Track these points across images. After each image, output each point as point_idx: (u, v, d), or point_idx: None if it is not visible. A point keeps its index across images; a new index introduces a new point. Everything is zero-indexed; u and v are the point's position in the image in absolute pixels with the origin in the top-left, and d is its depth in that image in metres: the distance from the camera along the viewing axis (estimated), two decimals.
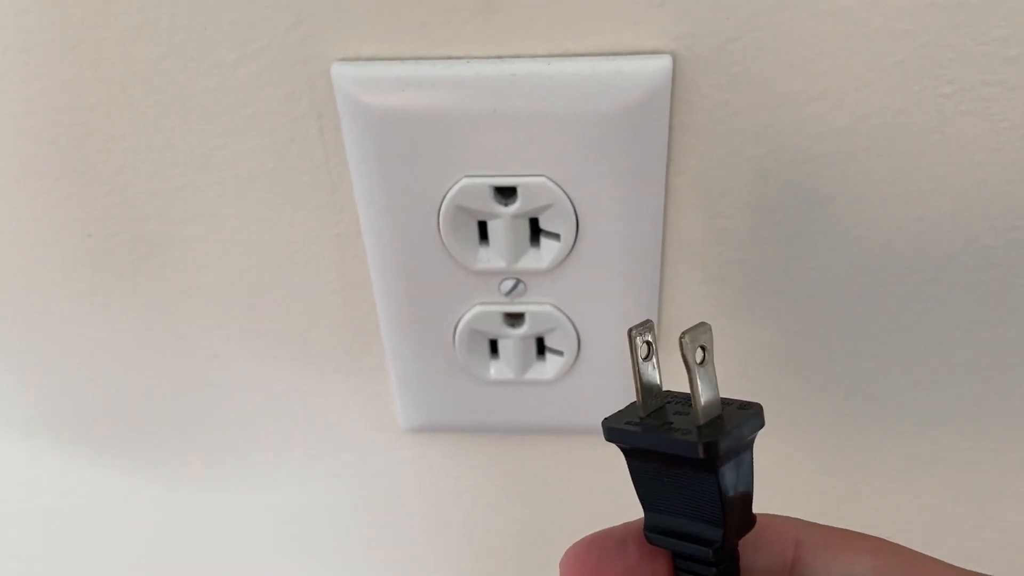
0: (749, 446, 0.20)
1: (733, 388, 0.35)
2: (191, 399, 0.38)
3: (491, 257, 0.30)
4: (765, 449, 0.36)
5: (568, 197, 0.28)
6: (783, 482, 0.38)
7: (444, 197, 0.29)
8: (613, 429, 0.21)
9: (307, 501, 0.41)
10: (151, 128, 0.30)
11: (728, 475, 0.20)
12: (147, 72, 0.29)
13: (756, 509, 0.21)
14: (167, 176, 0.31)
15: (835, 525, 0.21)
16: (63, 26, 0.28)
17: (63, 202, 0.32)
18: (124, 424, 0.39)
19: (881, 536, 0.20)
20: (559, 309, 0.31)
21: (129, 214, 0.32)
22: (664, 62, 0.26)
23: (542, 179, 0.28)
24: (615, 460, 0.24)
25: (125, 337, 0.36)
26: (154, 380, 0.37)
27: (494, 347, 0.33)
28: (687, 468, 0.20)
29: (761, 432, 0.20)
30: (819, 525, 0.21)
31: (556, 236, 0.29)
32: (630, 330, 0.21)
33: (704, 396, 0.20)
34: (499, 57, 0.27)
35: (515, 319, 0.32)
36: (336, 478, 0.40)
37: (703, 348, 0.20)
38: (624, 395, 0.23)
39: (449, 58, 0.27)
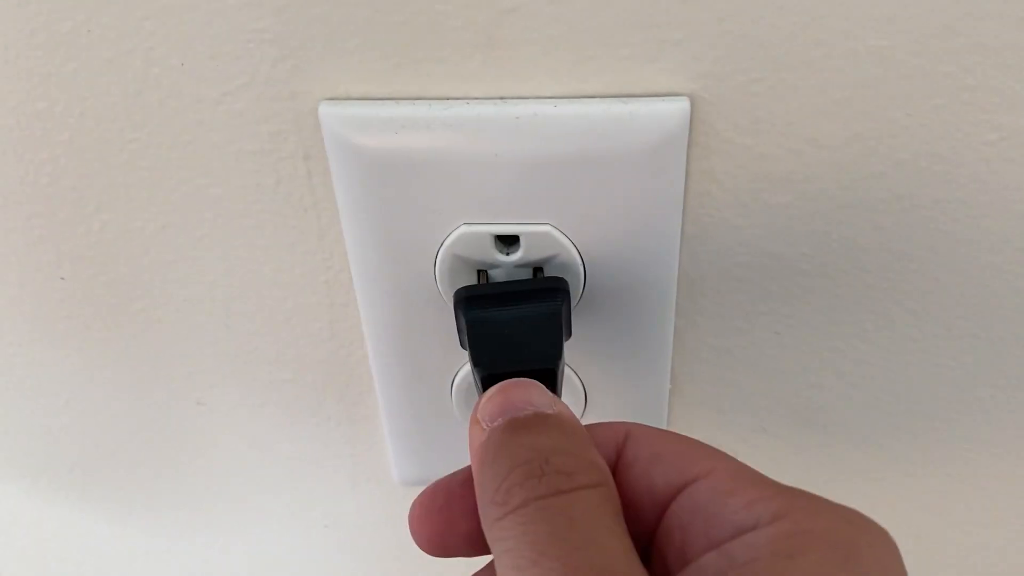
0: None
1: (752, 443, 0.33)
2: (174, 446, 0.36)
3: None
4: None
5: (575, 247, 0.26)
6: None
7: (441, 245, 0.27)
8: (471, 286, 0.26)
9: (296, 552, 0.39)
10: (128, 166, 0.28)
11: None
12: (122, 107, 0.27)
13: None
14: (146, 217, 0.29)
15: None
16: (32, 58, 0.26)
17: (34, 243, 0.30)
18: (104, 472, 0.37)
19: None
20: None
21: (105, 256, 0.30)
22: (681, 105, 0.24)
23: (547, 228, 0.26)
24: None
25: (103, 383, 0.34)
26: (135, 427, 0.35)
27: None
28: (534, 301, 0.25)
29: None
30: (652, 428, 0.21)
31: None
32: None
33: None
34: (501, 98, 0.25)
35: None
36: (326, 529, 0.38)
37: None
38: None
39: (447, 99, 0.25)
